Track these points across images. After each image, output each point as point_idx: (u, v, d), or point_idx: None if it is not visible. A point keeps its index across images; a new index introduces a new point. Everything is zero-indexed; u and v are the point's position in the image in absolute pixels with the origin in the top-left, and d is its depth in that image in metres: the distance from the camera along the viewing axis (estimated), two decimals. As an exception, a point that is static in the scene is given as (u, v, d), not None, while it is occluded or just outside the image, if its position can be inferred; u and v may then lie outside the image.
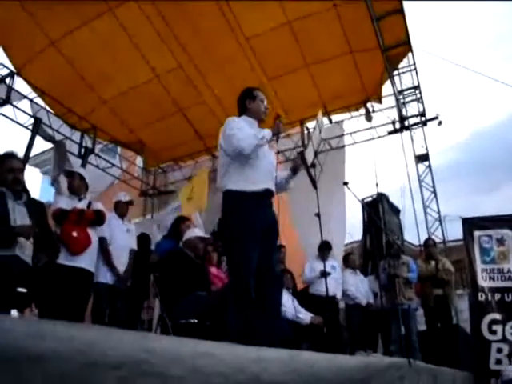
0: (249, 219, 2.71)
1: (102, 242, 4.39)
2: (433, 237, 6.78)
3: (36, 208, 3.23)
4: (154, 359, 0.97)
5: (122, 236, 4.57)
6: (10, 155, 3.18)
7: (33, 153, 6.82)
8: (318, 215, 3.75)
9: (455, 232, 7.35)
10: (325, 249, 5.77)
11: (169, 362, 1.00)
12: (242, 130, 2.78)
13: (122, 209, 4.80)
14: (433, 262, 5.99)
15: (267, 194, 2.87)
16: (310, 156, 3.36)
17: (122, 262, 4.51)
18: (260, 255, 2.71)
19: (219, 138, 2.91)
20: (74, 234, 3.98)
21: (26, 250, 3.02)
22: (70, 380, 0.84)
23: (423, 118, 7.31)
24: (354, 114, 7.87)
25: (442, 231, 6.99)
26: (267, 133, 2.84)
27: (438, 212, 7.08)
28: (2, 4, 5.52)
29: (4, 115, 6.39)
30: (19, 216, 3.05)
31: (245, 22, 6.18)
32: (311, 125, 7.94)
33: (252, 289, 2.61)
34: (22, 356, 0.78)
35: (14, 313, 2.88)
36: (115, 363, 0.92)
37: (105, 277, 4.37)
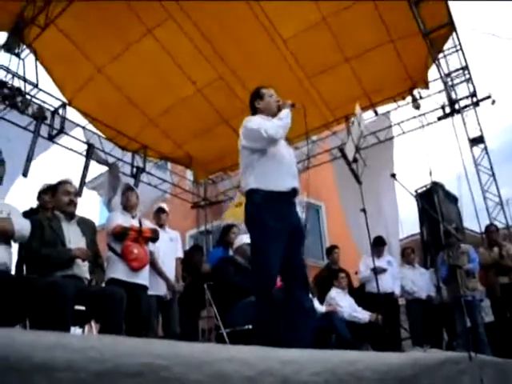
0: (274, 224, 2.67)
1: (150, 255, 4.51)
2: (495, 222, 6.38)
3: (88, 226, 3.39)
4: (173, 365, 0.97)
5: (165, 245, 4.63)
6: (65, 181, 3.41)
7: (90, 177, 7.16)
8: (363, 210, 3.65)
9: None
10: (378, 245, 5.61)
11: (189, 367, 0.99)
12: (263, 123, 2.81)
13: (161, 218, 4.88)
14: (496, 249, 5.67)
15: (292, 194, 2.84)
16: (350, 151, 3.28)
17: (168, 270, 4.59)
18: (286, 257, 2.68)
19: (239, 140, 2.91)
20: (135, 251, 4.10)
21: (82, 268, 3.17)
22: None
23: (474, 99, 6.93)
24: (401, 103, 7.61)
25: (505, 215, 6.55)
26: (283, 112, 2.85)
27: (499, 196, 6.65)
28: (49, 40, 5.86)
29: (60, 144, 6.78)
30: (73, 236, 3.22)
31: (280, 25, 6.19)
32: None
33: (271, 290, 2.58)
34: (33, 366, 0.80)
35: (75, 330, 3.01)
36: (133, 371, 0.92)
37: (154, 288, 4.43)
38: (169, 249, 4.71)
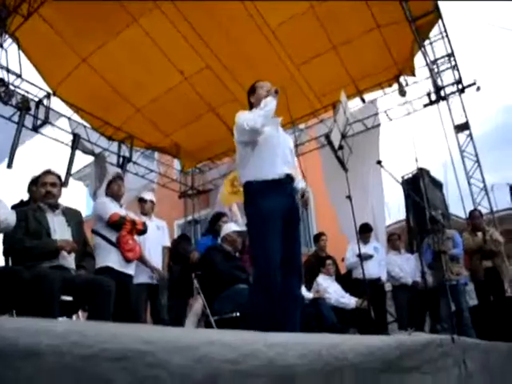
0: (268, 209, 2.72)
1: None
2: (479, 207, 6.47)
3: (73, 216, 3.37)
4: (158, 350, 0.98)
5: (152, 234, 4.60)
6: (46, 172, 3.38)
7: (76, 168, 7.11)
8: (349, 197, 3.68)
9: (504, 201, 7.03)
10: (365, 231, 5.66)
11: (173, 352, 1.00)
12: (245, 115, 2.86)
13: (146, 207, 4.83)
14: (480, 234, 5.75)
15: (287, 180, 2.87)
16: (336, 138, 3.29)
17: (155, 259, 4.57)
18: (283, 245, 2.71)
19: (234, 136, 2.97)
20: (131, 242, 4.11)
21: (68, 258, 3.16)
22: (69, 372, 0.86)
23: (460, 86, 6.98)
24: (388, 90, 7.64)
25: (489, 201, 6.65)
26: (264, 101, 2.87)
27: (483, 181, 6.74)
28: (33, 29, 5.76)
29: (45, 135, 6.71)
30: (58, 226, 3.20)
31: (268, 13, 6.16)
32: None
33: (276, 282, 2.61)
34: (18, 352, 0.81)
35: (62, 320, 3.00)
36: (117, 355, 0.93)
37: (141, 277, 4.43)
38: (156, 237, 4.68)
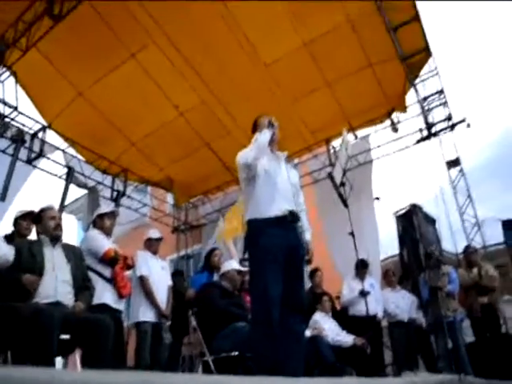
0: (266, 248, 2.70)
1: (144, 281, 4.44)
2: (472, 243, 6.50)
3: (73, 252, 3.33)
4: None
5: (159, 273, 4.61)
6: (49, 207, 3.42)
7: (68, 200, 7.03)
8: (352, 234, 3.67)
9: (495, 235, 7.08)
10: (362, 267, 5.64)
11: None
12: (241, 152, 2.87)
13: (154, 246, 4.83)
14: (475, 270, 5.75)
15: (289, 217, 2.82)
16: (338, 175, 3.31)
17: (161, 298, 4.54)
18: (284, 283, 2.67)
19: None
20: (124, 278, 4.07)
21: (66, 295, 3.06)
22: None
23: (450, 123, 7.12)
24: (380, 126, 7.76)
25: (482, 236, 6.70)
26: (260, 134, 2.87)
27: (476, 217, 6.80)
28: (30, 62, 5.80)
29: (39, 168, 6.66)
30: (57, 260, 3.14)
31: (262, 50, 6.28)
32: (337, 143, 7.90)
33: (274, 320, 2.56)
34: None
35: (59, 359, 2.89)
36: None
37: (148, 315, 4.40)
38: (162, 277, 4.67)
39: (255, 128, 3.10)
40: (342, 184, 3.41)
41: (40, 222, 3.33)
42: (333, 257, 7.29)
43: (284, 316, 2.67)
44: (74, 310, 3.07)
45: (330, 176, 2.94)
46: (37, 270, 3.01)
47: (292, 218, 2.85)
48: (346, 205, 3.29)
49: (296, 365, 2.68)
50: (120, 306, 4.01)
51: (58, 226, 3.30)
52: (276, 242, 2.72)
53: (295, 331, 2.79)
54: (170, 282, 4.80)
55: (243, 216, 2.96)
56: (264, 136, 2.83)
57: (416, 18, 5.69)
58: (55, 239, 3.26)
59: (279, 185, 2.88)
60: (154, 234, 4.95)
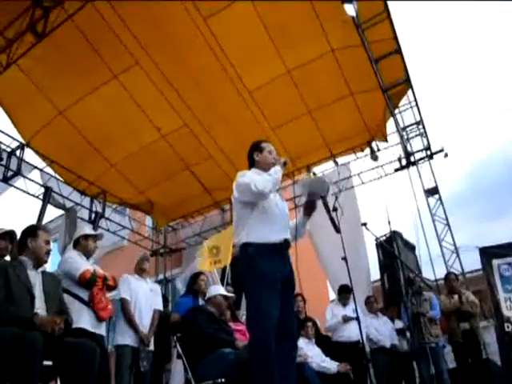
0: (268, 271, 2.69)
1: (123, 303, 4.30)
2: (451, 270, 6.63)
3: (51, 279, 3.18)
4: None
5: (146, 295, 4.47)
6: (45, 229, 3.29)
7: (44, 221, 6.81)
8: (344, 259, 3.67)
9: (472, 262, 7.25)
10: (344, 292, 5.64)
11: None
12: (254, 177, 2.85)
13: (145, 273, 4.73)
14: (456, 296, 5.83)
15: (285, 245, 2.87)
16: (331, 200, 3.31)
17: (144, 323, 4.38)
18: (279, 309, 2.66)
19: (233, 194, 2.95)
20: (103, 299, 3.86)
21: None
22: None
23: (429, 152, 7.32)
24: (360, 154, 7.90)
25: (460, 263, 6.87)
26: (274, 169, 2.89)
27: (454, 245, 6.97)
28: (9, 79, 5.68)
29: (15, 187, 6.46)
30: (38, 285, 3.01)
31: (246, 76, 6.33)
32: (318, 169, 8.00)
33: (273, 343, 2.53)
34: None
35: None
36: None
37: (127, 339, 4.24)
38: (147, 299, 4.51)
39: (259, 150, 3.08)
40: (335, 209, 3.43)
41: (35, 242, 3.11)
42: (330, 282, 7.27)
43: (277, 342, 2.64)
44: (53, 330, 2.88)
45: (323, 200, 2.93)
46: (26, 299, 2.87)
47: (287, 246, 2.91)
48: (337, 230, 3.29)
49: None
50: (99, 330, 3.79)
51: (49, 252, 3.16)
52: (276, 269, 2.73)
53: (288, 357, 2.77)
54: (158, 306, 4.63)
55: (233, 238, 2.91)
56: (280, 173, 2.89)
57: (398, 50, 5.87)
58: (40, 265, 3.11)
59: (278, 213, 2.93)
60: (146, 265, 4.82)
